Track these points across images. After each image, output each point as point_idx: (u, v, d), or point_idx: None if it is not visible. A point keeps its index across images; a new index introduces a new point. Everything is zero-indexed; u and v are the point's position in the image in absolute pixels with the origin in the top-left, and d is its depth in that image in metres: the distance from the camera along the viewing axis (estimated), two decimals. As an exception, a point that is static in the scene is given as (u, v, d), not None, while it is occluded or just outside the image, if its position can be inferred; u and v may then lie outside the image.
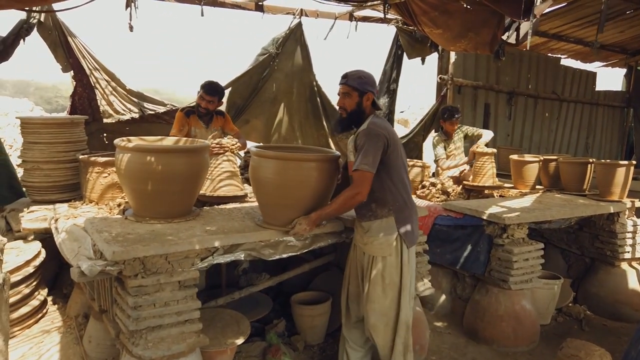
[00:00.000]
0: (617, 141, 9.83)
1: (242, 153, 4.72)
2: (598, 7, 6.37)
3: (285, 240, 2.62)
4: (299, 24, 5.90)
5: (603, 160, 4.31)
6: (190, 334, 2.24)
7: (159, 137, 2.96)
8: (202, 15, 5.08)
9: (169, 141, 2.97)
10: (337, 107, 2.70)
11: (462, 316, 3.66)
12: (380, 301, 2.52)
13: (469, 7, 4.99)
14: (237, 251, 2.46)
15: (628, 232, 3.98)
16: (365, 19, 6.28)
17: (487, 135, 5.09)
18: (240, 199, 3.35)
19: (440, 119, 5.39)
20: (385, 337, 2.55)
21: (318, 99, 6.22)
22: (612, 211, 3.93)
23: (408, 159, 4.89)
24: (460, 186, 4.71)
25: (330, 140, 6.26)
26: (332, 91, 6.65)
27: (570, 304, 4.07)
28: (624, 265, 3.99)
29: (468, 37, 5.37)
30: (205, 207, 3.02)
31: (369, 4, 5.37)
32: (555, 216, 3.66)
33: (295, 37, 5.89)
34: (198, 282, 2.30)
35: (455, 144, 5.34)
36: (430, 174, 5.28)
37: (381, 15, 5.63)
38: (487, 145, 4.91)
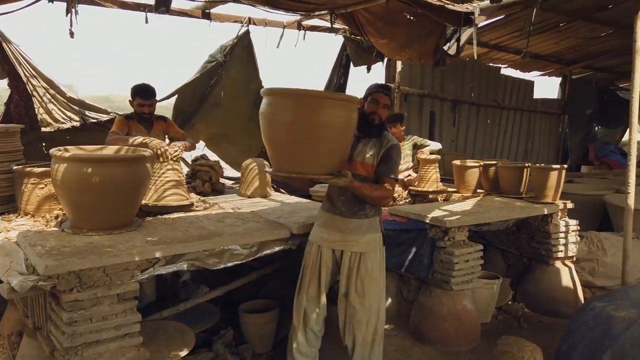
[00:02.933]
0: (553, 146, 10.40)
1: (192, 154, 4.64)
2: (534, 21, 6.75)
3: (231, 249, 2.61)
4: (247, 32, 5.91)
5: (538, 165, 4.55)
6: (130, 348, 2.19)
7: (99, 146, 2.89)
8: (147, 22, 4.99)
9: (109, 150, 2.90)
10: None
11: (408, 318, 3.75)
12: (368, 296, 2.61)
13: (412, 18, 5.18)
14: (180, 261, 2.43)
15: (561, 232, 4.21)
16: (313, 28, 6.37)
17: (434, 145, 5.27)
18: (186, 208, 3.30)
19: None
20: (367, 332, 2.64)
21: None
22: (546, 212, 4.15)
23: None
24: (407, 191, 4.86)
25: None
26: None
27: (509, 302, 4.26)
28: (558, 264, 4.22)
29: (412, 47, 5.57)
30: (148, 218, 2.96)
31: (317, 13, 5.46)
32: (493, 218, 3.84)
33: (243, 45, 5.90)
34: (138, 294, 2.25)
35: (404, 151, 5.48)
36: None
37: (329, 24, 5.74)
38: (432, 153, 5.08)
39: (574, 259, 4.36)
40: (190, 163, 4.65)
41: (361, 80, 7.51)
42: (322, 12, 5.35)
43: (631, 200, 3.73)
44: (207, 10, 5.55)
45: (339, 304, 2.68)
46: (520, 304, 4.25)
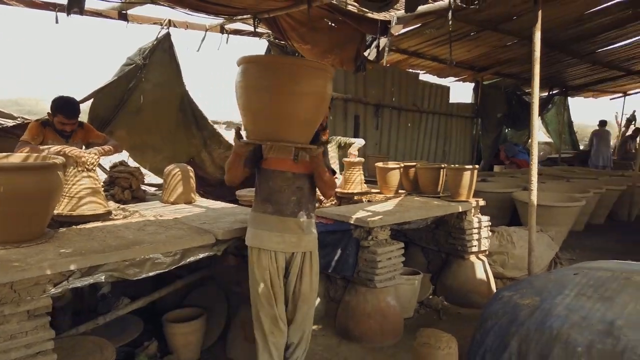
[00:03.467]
0: (468, 147, 11.08)
1: (110, 160, 4.44)
2: (447, 30, 7.17)
3: (152, 258, 2.54)
4: (168, 35, 5.75)
5: (453, 166, 4.84)
6: (43, 366, 2.07)
7: (4, 154, 2.70)
8: (57, 22, 4.71)
9: (15, 158, 2.71)
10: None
11: (335, 318, 3.84)
12: (315, 292, 2.75)
13: (334, 25, 5.31)
14: (97, 273, 2.32)
15: (474, 228, 4.50)
16: (236, 32, 6.33)
17: (359, 142, 5.45)
18: (103, 217, 3.16)
19: None
20: (310, 325, 2.79)
21: (189, 109, 6.11)
22: (460, 210, 4.42)
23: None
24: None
25: (202, 149, 6.16)
26: (205, 101, 6.58)
27: (430, 297, 4.48)
28: (472, 258, 4.51)
29: (334, 53, 5.71)
30: (61, 229, 2.81)
31: (239, 17, 5.44)
32: (413, 217, 4.03)
33: (163, 48, 5.73)
34: (51, 309, 2.13)
35: (330, 154, 5.61)
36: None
37: (252, 28, 5.73)
38: (358, 150, 5.27)
39: (487, 252, 4.68)
40: (108, 170, 4.45)
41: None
42: (245, 16, 5.34)
43: (534, 197, 4.08)
44: (124, 12, 5.34)
45: (289, 304, 2.70)
46: (440, 297, 4.49)
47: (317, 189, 2.77)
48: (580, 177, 8.50)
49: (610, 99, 15.41)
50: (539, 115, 13.25)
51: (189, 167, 4.03)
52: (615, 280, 2.95)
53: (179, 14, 5.11)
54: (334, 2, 4.74)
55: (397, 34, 5.64)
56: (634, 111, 13.84)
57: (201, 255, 2.79)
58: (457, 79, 10.60)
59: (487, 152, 11.10)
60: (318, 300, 4.08)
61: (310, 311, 2.78)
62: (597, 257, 4.66)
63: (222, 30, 6.15)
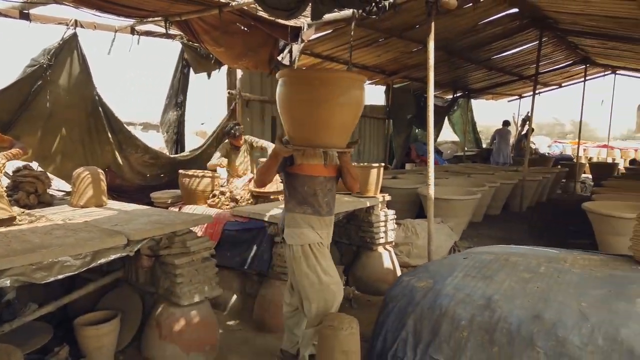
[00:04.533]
0: (382, 147, 11.67)
1: (14, 165, 4.24)
2: (356, 35, 7.56)
3: (61, 261, 2.54)
4: (74, 35, 5.56)
5: (362, 164, 5.17)
6: (-55, 374, 2.04)
7: None
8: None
9: None
10: None
11: (252, 312, 3.99)
12: None
13: (246, 29, 5.45)
14: (2, 277, 2.31)
15: (381, 222, 4.86)
16: (148, 33, 6.26)
17: (271, 147, 5.62)
18: (7, 222, 3.08)
19: None
20: None
21: (101, 112, 5.94)
22: (368, 205, 4.75)
23: (200, 171, 5.13)
24: (249, 193, 5.10)
25: (117, 154, 6.03)
26: (119, 104, 6.44)
27: (343, 287, 4.76)
28: (380, 249, 4.87)
29: (248, 56, 5.85)
30: (-40, 236, 2.71)
31: (150, 19, 5.41)
32: (324, 213, 4.28)
33: (70, 49, 5.53)
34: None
35: (243, 154, 5.73)
36: (224, 183, 5.57)
37: (164, 30, 5.71)
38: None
39: (393, 243, 5.06)
40: (11, 174, 4.26)
41: (205, 85, 7.61)
42: (156, 18, 5.32)
43: (431, 191, 4.50)
44: (26, 11, 5.11)
45: None
46: (352, 287, 4.79)
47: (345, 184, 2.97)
48: (480, 172, 9.30)
49: (508, 101, 16.91)
50: (446, 116, 14.27)
51: (100, 170, 3.98)
52: (497, 261, 3.37)
53: (86, 15, 5.00)
54: (245, 8, 4.88)
55: (308, 39, 5.90)
56: (528, 112, 15.28)
57: (113, 257, 2.82)
58: (369, 82, 11.12)
59: (399, 151, 11.76)
60: (234, 297, 4.22)
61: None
62: (491, 244, 5.21)
63: (133, 31, 6.05)
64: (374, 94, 12.02)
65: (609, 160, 15.62)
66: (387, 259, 4.85)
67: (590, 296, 2.68)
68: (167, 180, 6.18)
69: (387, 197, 5.04)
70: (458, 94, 14.17)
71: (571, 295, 2.71)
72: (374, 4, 3.91)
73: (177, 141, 7.14)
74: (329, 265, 2.88)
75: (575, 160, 12.70)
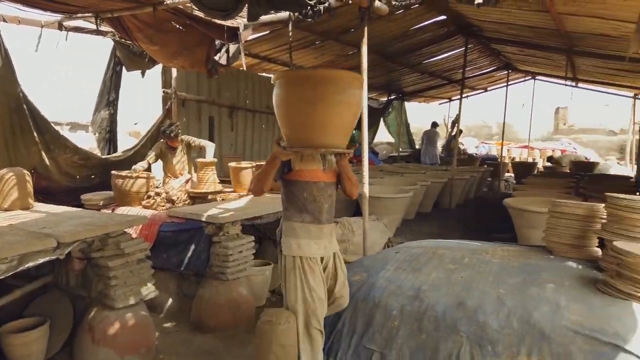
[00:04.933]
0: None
1: None
2: (294, 37, 7.66)
3: (-15, 265, 2.44)
4: (-5, 29, 5.24)
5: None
6: None
7: None
8: None
9: None
10: None
11: (190, 313, 3.98)
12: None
13: (182, 28, 5.39)
14: None
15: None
16: (77, 29, 5.99)
17: (210, 148, 5.59)
18: None
19: None
20: None
21: (26, 110, 5.62)
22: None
23: (133, 172, 5.01)
24: (186, 194, 5.05)
25: (44, 155, 5.72)
26: (44, 102, 6.10)
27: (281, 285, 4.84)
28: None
29: (184, 55, 5.77)
30: None
31: (79, 15, 5.20)
32: (263, 212, 4.35)
33: (-9, 43, 5.20)
34: None
35: (180, 154, 5.66)
36: (159, 184, 5.48)
37: (95, 26, 5.50)
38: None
39: (331, 241, 5.19)
40: None
41: (139, 83, 7.39)
42: (86, 14, 5.12)
43: (366, 189, 4.68)
44: (-62, 2, 4.75)
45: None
46: (290, 285, 4.87)
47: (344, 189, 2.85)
48: (413, 172, 9.70)
49: (439, 104, 17.70)
50: (381, 118, 14.71)
51: (25, 172, 3.81)
52: (425, 255, 3.59)
53: (9, 8, 4.73)
54: (181, 7, 4.83)
55: (246, 40, 5.92)
56: (457, 114, 16.11)
57: (41, 260, 2.73)
58: (307, 83, 11.25)
59: (337, 152, 11.98)
60: (170, 300, 4.18)
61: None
62: (423, 239, 5.47)
63: (61, 27, 5.78)
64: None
65: (530, 160, 16.76)
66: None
67: (507, 284, 2.93)
68: (98, 182, 5.95)
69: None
70: (392, 97, 14.65)
71: (491, 284, 2.95)
72: (309, 7, 4.01)
73: (110, 141, 6.89)
74: (316, 283, 2.73)
75: (499, 160, 13.53)
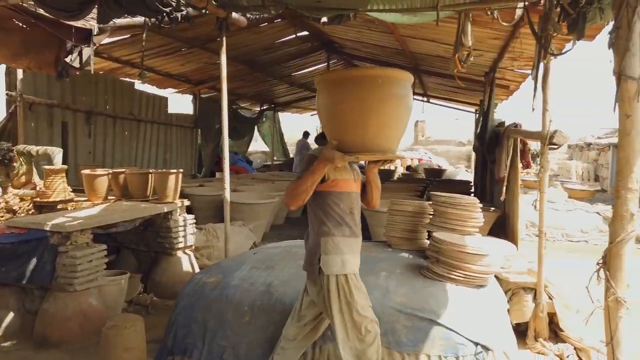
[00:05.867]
0: (190, 156, 11.67)
1: None
2: (156, 42, 7.52)
3: None
4: None
5: (159, 170, 5.19)
6: None
7: None
8: None
9: None
10: None
11: (33, 329, 3.71)
12: None
13: (26, 27, 5.02)
14: None
15: (180, 226, 4.95)
16: None
17: (58, 154, 5.24)
18: None
19: None
20: None
21: None
22: (166, 210, 4.80)
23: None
24: (31, 204, 4.69)
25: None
26: None
27: (140, 295, 4.71)
28: (180, 253, 4.95)
29: (30, 56, 5.37)
30: None
31: None
32: (117, 219, 4.22)
33: None
34: None
35: (19, 167, 5.23)
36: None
37: None
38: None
39: (194, 247, 5.20)
40: None
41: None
42: None
43: (227, 194, 4.80)
44: None
45: None
46: (150, 294, 4.75)
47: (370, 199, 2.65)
48: (284, 179, 10.00)
49: (311, 115, 18.44)
50: (255, 127, 14.91)
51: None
52: (280, 254, 3.80)
53: None
54: (25, 5, 4.50)
55: (101, 43, 5.69)
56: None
57: None
58: (176, 90, 11.03)
59: (208, 160, 11.88)
60: (11, 315, 3.86)
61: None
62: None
63: None
64: (182, 103, 11.94)
65: (392, 168, 18.22)
66: (187, 263, 4.97)
67: (348, 274, 3.25)
68: None
69: (187, 202, 5.16)
70: (265, 107, 14.95)
71: (334, 275, 3.24)
72: (164, 14, 4.03)
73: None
74: (361, 298, 2.47)
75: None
